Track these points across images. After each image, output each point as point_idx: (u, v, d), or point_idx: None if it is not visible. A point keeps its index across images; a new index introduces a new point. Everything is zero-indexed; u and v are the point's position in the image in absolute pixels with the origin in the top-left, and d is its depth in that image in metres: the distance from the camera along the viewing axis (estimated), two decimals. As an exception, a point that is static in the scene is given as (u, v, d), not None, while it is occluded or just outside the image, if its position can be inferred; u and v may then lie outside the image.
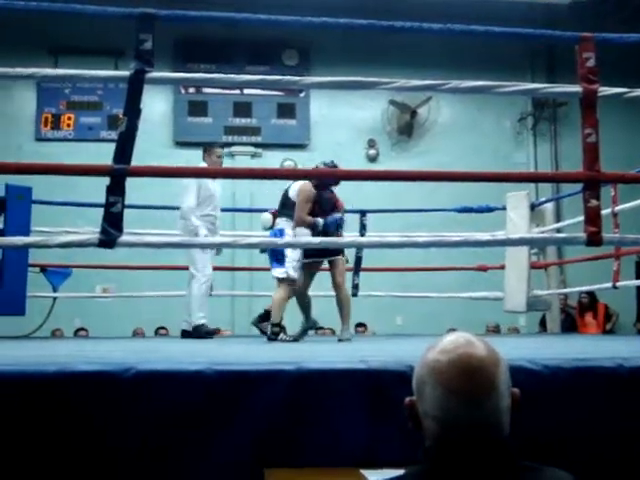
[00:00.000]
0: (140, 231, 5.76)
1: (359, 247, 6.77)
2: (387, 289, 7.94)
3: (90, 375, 2.01)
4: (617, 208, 6.15)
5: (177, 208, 5.86)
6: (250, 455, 2.00)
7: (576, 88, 3.50)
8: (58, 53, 10.24)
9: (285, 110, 10.85)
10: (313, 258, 5.40)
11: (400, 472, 1.39)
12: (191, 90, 10.74)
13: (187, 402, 2.00)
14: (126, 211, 3.19)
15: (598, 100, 3.46)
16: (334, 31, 8.17)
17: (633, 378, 2.17)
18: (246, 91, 10.57)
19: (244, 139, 10.72)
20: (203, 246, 5.33)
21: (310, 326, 5.70)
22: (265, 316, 6.38)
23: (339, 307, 5.46)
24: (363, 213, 7.22)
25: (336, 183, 5.44)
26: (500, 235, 6.20)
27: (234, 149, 10.53)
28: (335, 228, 5.32)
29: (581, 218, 3.49)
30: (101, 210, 3.18)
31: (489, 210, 7.49)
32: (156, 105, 10.26)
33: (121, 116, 3.29)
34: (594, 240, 3.40)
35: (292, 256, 5.28)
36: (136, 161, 3.25)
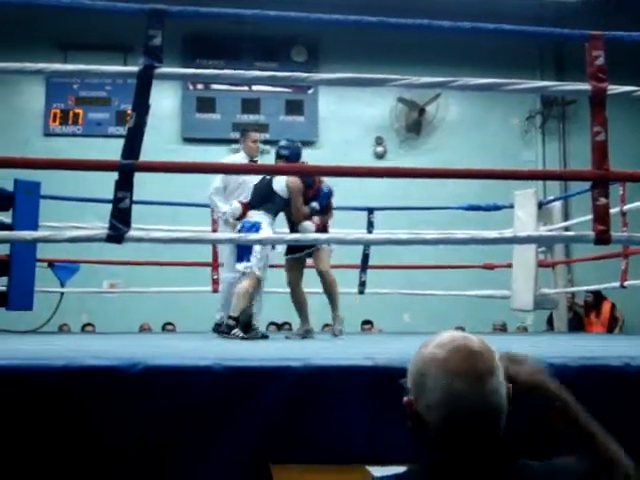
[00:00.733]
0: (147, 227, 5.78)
1: (366, 244, 6.76)
2: (394, 287, 7.93)
3: (98, 369, 2.02)
4: (626, 207, 6.14)
5: (183, 204, 5.87)
6: (257, 450, 2.01)
7: (585, 86, 3.49)
8: (67, 49, 10.26)
9: (293, 107, 10.85)
10: (298, 253, 5.31)
11: (405, 469, 1.40)
12: (199, 86, 10.74)
13: (196, 397, 2.01)
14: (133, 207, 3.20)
15: (607, 98, 3.45)
16: (343, 28, 8.17)
17: (640, 377, 2.17)
18: (254, 87, 10.56)
19: (252, 136, 10.71)
20: (214, 242, 5.23)
21: (303, 335, 5.38)
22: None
23: (327, 294, 5.34)
24: (370, 210, 7.21)
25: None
26: (508, 233, 6.18)
27: (241, 145, 10.53)
28: (328, 199, 5.34)
29: (589, 216, 3.48)
30: (109, 205, 3.19)
31: (497, 208, 7.47)
32: (164, 101, 10.26)
33: (129, 112, 3.29)
34: (602, 239, 3.39)
35: (259, 250, 5.11)
36: (144, 157, 3.26)
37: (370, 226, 7.15)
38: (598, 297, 9.29)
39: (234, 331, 4.96)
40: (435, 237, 3.92)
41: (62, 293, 6.58)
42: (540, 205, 7.05)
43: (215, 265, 6.70)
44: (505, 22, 3.98)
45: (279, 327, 8.91)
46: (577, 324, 9.28)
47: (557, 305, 7.44)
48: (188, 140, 10.53)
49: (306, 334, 5.38)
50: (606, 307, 9.38)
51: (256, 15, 3.92)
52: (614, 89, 3.48)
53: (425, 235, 4.00)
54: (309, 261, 5.48)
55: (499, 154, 10.58)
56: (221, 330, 5.23)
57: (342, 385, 2.07)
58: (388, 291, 7.81)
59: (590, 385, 2.15)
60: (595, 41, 3.49)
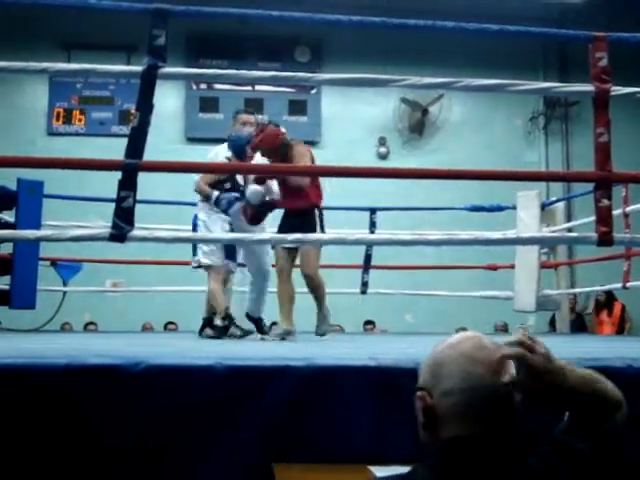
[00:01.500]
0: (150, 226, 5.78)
1: (369, 244, 6.76)
2: (397, 287, 7.93)
3: (100, 368, 2.02)
4: (628, 208, 6.13)
5: (186, 204, 5.85)
6: (260, 449, 2.01)
7: (588, 87, 3.49)
8: (71, 48, 10.28)
9: (296, 107, 10.85)
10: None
11: (409, 469, 1.40)
12: (203, 86, 10.75)
13: (197, 396, 2.01)
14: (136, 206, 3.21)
15: (610, 99, 3.44)
16: (346, 28, 8.17)
17: (643, 379, 2.16)
18: (257, 87, 10.56)
19: (255, 136, 10.72)
20: (217, 241, 5.20)
21: (282, 336, 4.71)
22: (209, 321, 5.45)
23: (313, 295, 4.93)
24: (373, 210, 7.21)
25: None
26: (511, 234, 6.18)
27: (245, 145, 10.53)
28: (228, 207, 4.98)
29: (592, 218, 3.48)
30: (112, 205, 3.19)
31: (500, 209, 7.47)
32: (168, 101, 10.27)
33: (133, 111, 3.30)
34: (605, 240, 3.39)
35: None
36: (147, 156, 3.26)
37: (373, 226, 7.15)
38: (610, 297, 9.29)
39: (230, 330, 4.96)
40: (438, 238, 3.91)
41: (65, 292, 6.59)
42: (543, 206, 7.04)
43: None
44: (509, 23, 3.98)
45: None
46: (580, 326, 9.28)
47: (559, 306, 7.44)
48: (191, 140, 10.53)
49: (286, 335, 4.71)
50: (617, 307, 9.39)
51: (260, 15, 3.92)
52: (617, 90, 3.48)
53: (428, 235, 4.01)
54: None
55: (502, 155, 10.57)
56: (216, 336, 5.06)
57: (345, 385, 2.07)
58: (391, 291, 7.81)
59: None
60: (599, 42, 3.49)
